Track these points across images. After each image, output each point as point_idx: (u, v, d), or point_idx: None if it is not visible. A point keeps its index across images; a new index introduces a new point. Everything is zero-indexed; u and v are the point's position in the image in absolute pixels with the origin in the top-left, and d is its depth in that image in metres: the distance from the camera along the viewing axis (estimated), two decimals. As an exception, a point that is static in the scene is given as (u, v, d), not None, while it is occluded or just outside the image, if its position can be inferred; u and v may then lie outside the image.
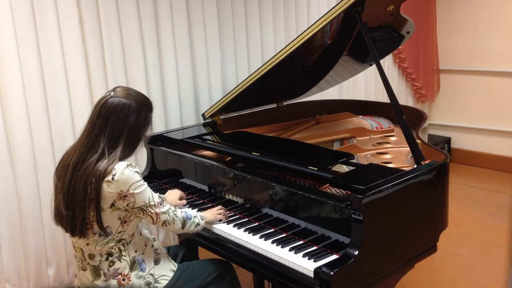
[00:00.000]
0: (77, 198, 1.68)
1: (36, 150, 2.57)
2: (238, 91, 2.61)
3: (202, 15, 3.11)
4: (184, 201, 2.21)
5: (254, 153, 2.19)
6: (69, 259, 2.78)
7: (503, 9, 4.45)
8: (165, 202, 1.83)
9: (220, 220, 2.03)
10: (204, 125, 2.83)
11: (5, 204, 2.53)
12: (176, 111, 3.10)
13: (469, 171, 4.74)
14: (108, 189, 1.67)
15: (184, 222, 1.86)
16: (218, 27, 3.20)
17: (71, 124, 2.68)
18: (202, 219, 1.95)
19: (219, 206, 2.08)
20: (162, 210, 1.79)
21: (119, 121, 1.72)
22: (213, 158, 2.37)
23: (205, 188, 2.32)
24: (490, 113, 4.69)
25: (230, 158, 2.34)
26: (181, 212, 1.87)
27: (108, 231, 1.73)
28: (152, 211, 1.76)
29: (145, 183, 1.76)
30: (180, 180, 2.45)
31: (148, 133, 1.89)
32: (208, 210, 2.06)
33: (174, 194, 2.20)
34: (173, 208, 1.85)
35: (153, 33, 2.92)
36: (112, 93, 1.76)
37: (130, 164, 1.72)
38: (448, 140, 4.99)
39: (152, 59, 2.93)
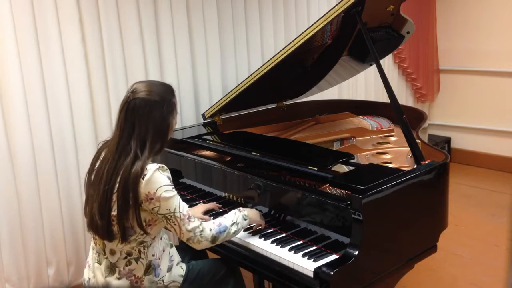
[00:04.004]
0: (115, 204, 1.66)
1: (36, 150, 2.57)
2: (238, 91, 2.61)
3: (202, 15, 3.11)
4: (209, 218, 2.08)
5: (254, 153, 2.19)
6: (69, 259, 2.78)
7: (503, 9, 4.45)
8: (193, 217, 1.73)
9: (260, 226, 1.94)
10: (204, 125, 2.83)
11: (5, 204, 2.53)
12: (176, 111, 3.09)
13: (469, 171, 4.74)
14: (139, 189, 1.66)
15: (214, 240, 1.75)
16: (218, 27, 3.20)
17: (71, 124, 2.68)
18: (245, 219, 1.85)
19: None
20: (188, 227, 1.69)
21: (144, 120, 1.70)
22: (213, 158, 2.37)
23: (205, 188, 2.32)
24: (490, 113, 4.69)
25: (230, 158, 2.34)
26: (211, 230, 1.74)
27: (132, 231, 1.70)
28: (176, 223, 1.68)
29: (175, 191, 1.70)
30: (180, 180, 2.45)
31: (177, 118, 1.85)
32: (254, 211, 1.95)
33: (199, 208, 2.15)
34: (201, 227, 1.72)
35: (153, 33, 2.92)
36: (131, 94, 1.73)
37: (162, 166, 1.69)
38: (448, 140, 4.99)
39: (152, 59, 2.93)
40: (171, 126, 1.80)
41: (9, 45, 2.41)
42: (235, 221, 1.82)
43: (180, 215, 1.69)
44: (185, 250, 2.11)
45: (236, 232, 1.82)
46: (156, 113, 1.72)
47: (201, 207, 2.17)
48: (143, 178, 1.65)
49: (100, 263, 1.79)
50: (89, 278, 1.84)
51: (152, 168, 1.67)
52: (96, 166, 1.78)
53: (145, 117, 1.71)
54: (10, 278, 2.61)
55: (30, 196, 2.58)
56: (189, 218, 1.71)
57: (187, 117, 3.15)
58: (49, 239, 2.68)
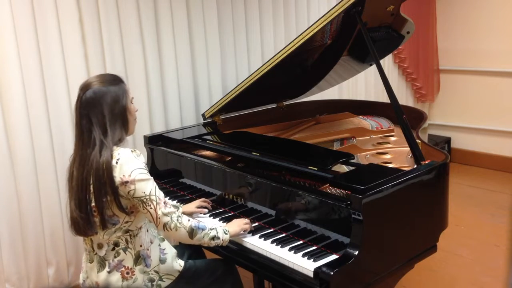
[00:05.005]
0: (91, 192, 1.68)
1: (36, 150, 2.57)
2: (238, 91, 2.61)
3: (202, 15, 3.11)
4: (204, 210, 2.15)
5: (254, 153, 2.19)
6: (69, 259, 2.78)
7: (503, 9, 4.45)
8: (170, 204, 1.75)
9: (245, 231, 1.93)
10: (204, 125, 2.83)
11: (5, 204, 2.53)
12: (176, 111, 3.10)
13: (469, 171, 4.74)
14: (113, 174, 1.67)
15: (192, 232, 1.73)
16: (218, 27, 3.20)
17: (71, 124, 2.67)
18: (226, 233, 1.83)
19: (246, 220, 1.98)
20: (164, 210, 1.70)
21: (98, 107, 1.71)
22: (213, 158, 2.37)
23: (205, 188, 2.32)
24: (490, 113, 4.69)
25: (230, 158, 2.34)
26: (189, 221, 1.75)
27: (115, 220, 1.71)
28: (152, 207, 1.68)
29: (151, 176, 1.71)
30: (180, 180, 2.45)
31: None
32: (233, 221, 1.95)
33: (191, 203, 2.17)
34: (179, 213, 1.74)
35: (153, 33, 2.92)
36: (81, 91, 1.75)
37: (134, 150, 1.72)
38: (448, 140, 5.00)
39: (152, 59, 2.94)
40: (128, 109, 1.78)
41: (9, 45, 2.41)
42: (215, 228, 1.82)
43: (156, 198, 1.69)
44: (183, 248, 2.12)
45: (214, 239, 1.80)
46: (108, 97, 1.72)
47: (194, 203, 2.19)
48: (116, 163, 1.67)
49: (91, 262, 1.80)
50: (84, 280, 1.85)
51: (124, 152, 1.69)
52: (68, 170, 1.79)
53: (98, 104, 1.71)
54: (10, 278, 2.61)
55: (30, 196, 2.58)
56: (165, 202, 1.72)
57: (187, 117, 3.15)
58: (49, 239, 2.68)
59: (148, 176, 1.70)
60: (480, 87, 4.72)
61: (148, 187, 1.69)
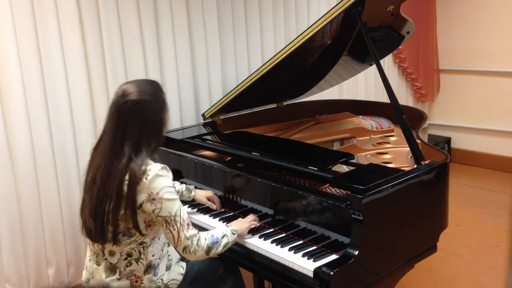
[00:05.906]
0: (108, 204, 1.64)
1: (36, 150, 2.57)
2: (238, 91, 2.61)
3: (202, 15, 3.11)
4: (214, 205, 2.17)
5: (254, 153, 2.19)
6: (69, 259, 2.78)
7: (503, 9, 4.45)
8: (191, 226, 1.73)
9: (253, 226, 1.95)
10: (204, 125, 2.83)
11: (5, 204, 2.53)
12: (176, 111, 3.10)
13: (469, 171, 4.74)
14: (139, 188, 1.64)
15: (208, 250, 1.74)
16: (218, 27, 3.20)
17: (71, 124, 2.68)
18: (234, 233, 1.84)
19: (251, 215, 1.99)
20: (186, 234, 1.68)
21: (137, 123, 1.67)
22: (213, 158, 2.37)
23: (205, 188, 2.32)
24: (490, 113, 4.69)
25: (230, 158, 2.34)
26: (205, 240, 1.74)
27: (132, 232, 1.69)
28: (175, 228, 1.66)
29: (177, 195, 1.69)
30: (180, 180, 2.45)
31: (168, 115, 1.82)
32: (239, 220, 1.96)
33: (204, 192, 2.20)
34: (198, 236, 1.72)
35: (153, 33, 2.92)
36: (121, 97, 1.69)
37: (165, 167, 1.68)
38: (448, 140, 5.00)
39: (152, 59, 2.93)
40: (165, 123, 1.78)
41: (9, 45, 2.41)
42: (225, 234, 1.81)
43: (180, 219, 1.68)
44: None
45: (226, 245, 1.80)
46: (149, 114, 1.70)
47: (206, 193, 2.21)
48: (146, 178, 1.63)
49: (98, 264, 1.79)
50: (88, 280, 1.83)
51: (155, 168, 1.65)
52: (90, 172, 1.75)
53: (137, 119, 1.68)
54: (10, 278, 2.60)
55: (30, 196, 2.58)
56: (188, 224, 1.71)
57: (187, 117, 3.15)
58: (49, 239, 2.68)
59: (175, 195, 1.68)
60: (480, 87, 4.72)
61: (174, 207, 1.67)
